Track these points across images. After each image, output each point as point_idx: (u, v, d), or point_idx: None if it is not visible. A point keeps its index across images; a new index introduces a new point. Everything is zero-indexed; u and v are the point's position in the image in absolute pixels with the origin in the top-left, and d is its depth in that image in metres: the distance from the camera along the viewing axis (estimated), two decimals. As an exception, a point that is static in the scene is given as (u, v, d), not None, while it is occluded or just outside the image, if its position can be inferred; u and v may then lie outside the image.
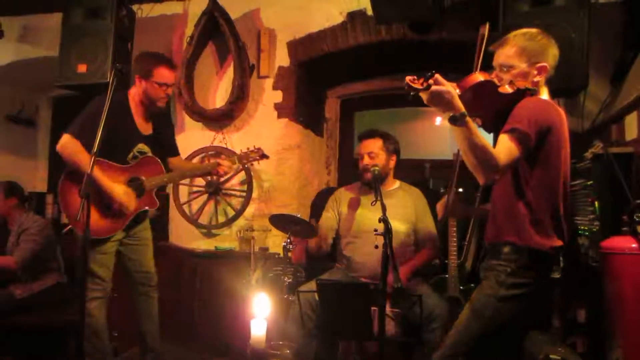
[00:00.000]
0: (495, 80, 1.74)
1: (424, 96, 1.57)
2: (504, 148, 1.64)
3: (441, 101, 1.56)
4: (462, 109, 1.57)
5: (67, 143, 2.55)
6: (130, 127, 2.71)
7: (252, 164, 2.93)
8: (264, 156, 2.93)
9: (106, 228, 2.63)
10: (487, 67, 1.90)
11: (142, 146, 2.76)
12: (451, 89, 1.57)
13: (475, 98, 1.69)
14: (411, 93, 1.56)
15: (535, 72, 1.80)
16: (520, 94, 1.74)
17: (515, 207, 1.75)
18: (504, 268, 1.74)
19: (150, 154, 2.77)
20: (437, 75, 1.55)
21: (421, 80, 1.55)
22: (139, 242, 2.85)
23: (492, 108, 1.78)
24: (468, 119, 1.57)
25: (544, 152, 1.70)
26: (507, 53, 1.81)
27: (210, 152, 3.70)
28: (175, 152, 2.99)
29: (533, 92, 1.77)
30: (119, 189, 2.62)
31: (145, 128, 2.78)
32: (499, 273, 1.75)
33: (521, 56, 1.79)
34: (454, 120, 1.57)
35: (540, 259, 1.73)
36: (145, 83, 2.67)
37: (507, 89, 1.73)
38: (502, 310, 1.73)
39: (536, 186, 1.73)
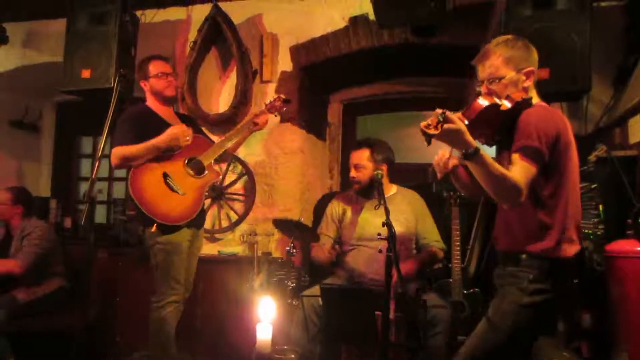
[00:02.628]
0: (497, 101, 1.72)
1: (438, 135, 1.52)
2: (520, 169, 1.62)
3: (453, 139, 1.55)
4: (474, 144, 1.55)
5: (115, 153, 2.64)
6: (162, 124, 2.79)
7: (276, 114, 3.08)
8: (286, 101, 3.02)
9: (179, 214, 2.65)
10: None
11: None
12: (461, 124, 1.54)
13: (480, 121, 1.69)
14: (430, 139, 1.52)
15: (524, 78, 1.80)
16: (519, 106, 1.74)
17: (533, 217, 1.73)
18: (526, 275, 1.71)
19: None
20: (446, 113, 1.52)
21: (434, 122, 1.51)
22: (191, 251, 2.84)
23: (495, 125, 1.78)
24: (482, 152, 1.56)
25: (555, 159, 1.69)
26: (493, 64, 1.80)
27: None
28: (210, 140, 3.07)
29: (529, 101, 1.77)
30: (163, 134, 2.65)
31: (175, 122, 2.87)
32: (521, 280, 1.72)
33: (508, 65, 1.79)
34: (467, 157, 1.57)
35: (562, 266, 1.71)
36: (148, 82, 2.83)
37: (507, 105, 1.73)
38: (523, 317, 1.71)
39: (552, 194, 1.72)
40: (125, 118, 2.75)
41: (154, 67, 2.82)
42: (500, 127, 1.76)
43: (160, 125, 2.77)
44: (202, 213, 2.91)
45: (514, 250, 1.77)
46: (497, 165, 1.59)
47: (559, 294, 1.72)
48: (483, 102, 1.68)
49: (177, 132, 2.67)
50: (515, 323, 1.71)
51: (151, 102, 2.87)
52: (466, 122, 1.60)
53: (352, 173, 2.89)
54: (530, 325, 1.74)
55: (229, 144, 2.88)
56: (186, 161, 2.76)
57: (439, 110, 1.51)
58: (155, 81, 2.82)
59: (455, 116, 1.54)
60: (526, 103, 1.75)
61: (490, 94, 1.76)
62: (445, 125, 1.51)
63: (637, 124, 2.52)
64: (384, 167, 2.88)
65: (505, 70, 1.79)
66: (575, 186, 1.77)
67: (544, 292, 1.70)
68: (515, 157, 1.64)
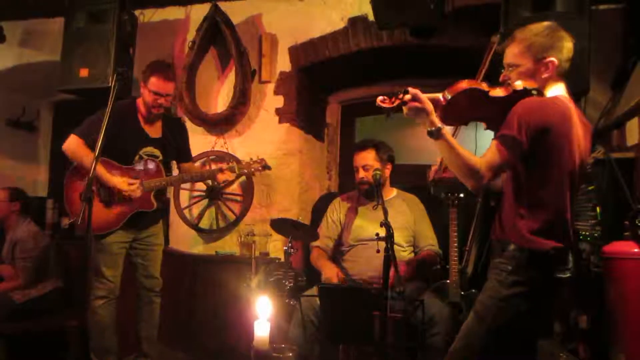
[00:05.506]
0: (483, 86, 1.73)
1: (404, 109, 1.66)
2: (489, 155, 1.65)
3: (418, 117, 1.66)
4: (438, 124, 1.64)
5: (71, 141, 2.73)
6: (136, 131, 2.79)
7: (253, 173, 2.95)
8: (266, 167, 2.94)
9: (102, 224, 2.69)
10: (493, 74, 1.89)
11: (150, 149, 2.83)
12: (428, 105, 1.64)
13: (469, 104, 1.72)
14: (387, 113, 1.67)
15: (543, 69, 1.74)
16: (520, 95, 1.70)
17: (514, 207, 1.73)
18: (505, 266, 1.71)
19: (158, 157, 2.83)
20: (415, 91, 1.63)
21: (392, 99, 1.65)
22: (148, 247, 2.90)
23: (492, 112, 1.75)
24: (444, 132, 1.65)
25: (542, 152, 1.67)
26: (513, 51, 1.78)
27: (211, 157, 3.70)
28: (187, 158, 3.05)
29: (532, 91, 1.72)
30: (118, 179, 2.69)
31: (153, 131, 2.86)
32: (500, 272, 1.72)
33: (527, 53, 1.75)
34: (430, 135, 1.66)
35: (540, 258, 1.69)
36: (143, 88, 2.80)
37: (498, 93, 1.72)
38: (505, 310, 1.69)
39: (535, 187, 1.70)
40: (100, 114, 2.71)
41: (151, 83, 2.75)
42: (501, 115, 1.72)
43: (131, 132, 2.76)
44: (146, 215, 2.84)
45: (502, 239, 1.77)
46: (460, 148, 1.66)
47: (539, 287, 1.69)
48: (463, 84, 1.70)
49: (123, 186, 2.68)
50: (498, 315, 1.69)
51: (141, 105, 2.85)
52: (442, 100, 1.69)
53: (361, 174, 2.88)
54: (517, 318, 1.69)
55: (179, 182, 2.88)
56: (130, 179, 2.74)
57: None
58: (148, 94, 2.76)
59: (423, 96, 1.64)
60: (526, 92, 1.71)
61: (505, 80, 1.77)
62: (412, 104, 1.63)
63: (635, 126, 2.53)
64: (389, 166, 2.92)
65: (523, 59, 1.75)
66: (572, 182, 1.73)
67: (523, 284, 1.68)
68: (492, 143, 1.67)
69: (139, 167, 2.79)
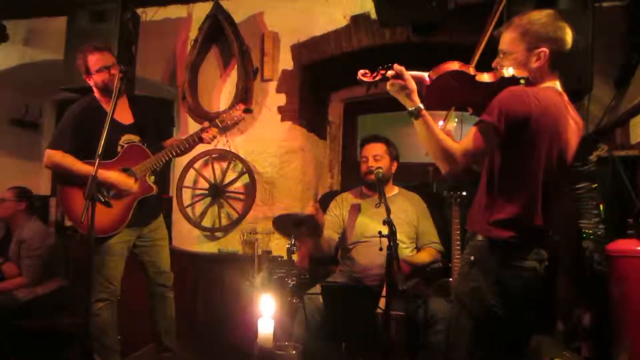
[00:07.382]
0: (470, 70, 1.69)
1: (387, 85, 1.66)
2: (465, 141, 1.61)
3: (399, 95, 1.67)
4: (418, 104, 1.65)
5: (49, 156, 2.67)
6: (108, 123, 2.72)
7: (235, 123, 2.86)
8: (247, 110, 2.86)
9: (110, 224, 2.64)
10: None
11: (128, 137, 2.76)
12: (410, 83, 1.65)
13: (454, 87, 1.71)
14: (367, 86, 1.68)
15: (535, 59, 1.67)
16: (507, 83, 1.66)
17: (481, 196, 1.71)
18: (468, 257, 1.69)
19: (137, 142, 2.76)
20: (400, 68, 1.64)
21: (374, 73, 1.66)
22: (152, 243, 2.86)
23: (478, 97, 1.71)
24: (424, 112, 1.65)
25: (517, 144, 1.61)
26: (507, 38, 1.72)
27: (213, 155, 3.71)
28: (167, 134, 2.99)
29: (521, 80, 1.66)
30: (113, 174, 2.62)
31: (125, 118, 2.79)
32: (464, 265, 1.71)
33: (521, 41, 1.68)
34: (410, 114, 1.66)
35: (498, 247, 1.64)
36: (89, 77, 2.72)
37: (485, 78, 1.69)
38: (471, 303, 1.65)
39: (504, 178, 1.65)
40: (69, 116, 2.70)
41: (93, 62, 2.67)
42: (486, 101, 1.67)
43: (103, 126, 2.59)
44: (147, 209, 2.79)
45: (469, 230, 1.75)
46: (438, 130, 1.65)
47: (499, 278, 1.62)
48: (449, 66, 1.68)
49: (120, 181, 2.62)
50: (470, 310, 1.65)
51: (99, 97, 2.75)
52: (427, 80, 1.68)
53: (371, 162, 2.89)
54: (485, 313, 1.63)
55: (166, 157, 2.75)
56: (121, 170, 2.68)
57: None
58: (97, 76, 2.68)
59: (408, 74, 1.65)
60: (513, 80, 1.66)
61: (498, 67, 1.71)
62: (394, 80, 1.64)
63: (639, 124, 2.52)
64: (395, 164, 2.95)
65: (517, 46, 1.69)
66: (535, 175, 1.63)
67: (481, 274, 1.63)
68: (471, 129, 1.63)
69: (124, 156, 2.71)
